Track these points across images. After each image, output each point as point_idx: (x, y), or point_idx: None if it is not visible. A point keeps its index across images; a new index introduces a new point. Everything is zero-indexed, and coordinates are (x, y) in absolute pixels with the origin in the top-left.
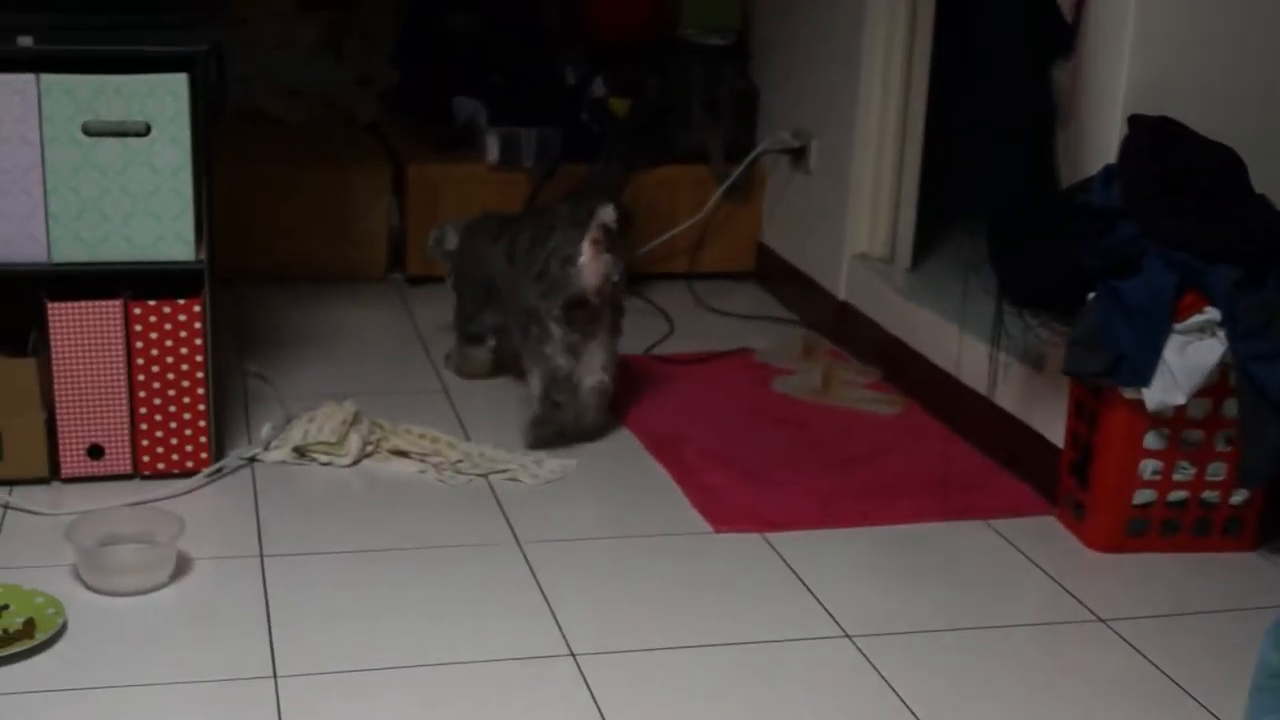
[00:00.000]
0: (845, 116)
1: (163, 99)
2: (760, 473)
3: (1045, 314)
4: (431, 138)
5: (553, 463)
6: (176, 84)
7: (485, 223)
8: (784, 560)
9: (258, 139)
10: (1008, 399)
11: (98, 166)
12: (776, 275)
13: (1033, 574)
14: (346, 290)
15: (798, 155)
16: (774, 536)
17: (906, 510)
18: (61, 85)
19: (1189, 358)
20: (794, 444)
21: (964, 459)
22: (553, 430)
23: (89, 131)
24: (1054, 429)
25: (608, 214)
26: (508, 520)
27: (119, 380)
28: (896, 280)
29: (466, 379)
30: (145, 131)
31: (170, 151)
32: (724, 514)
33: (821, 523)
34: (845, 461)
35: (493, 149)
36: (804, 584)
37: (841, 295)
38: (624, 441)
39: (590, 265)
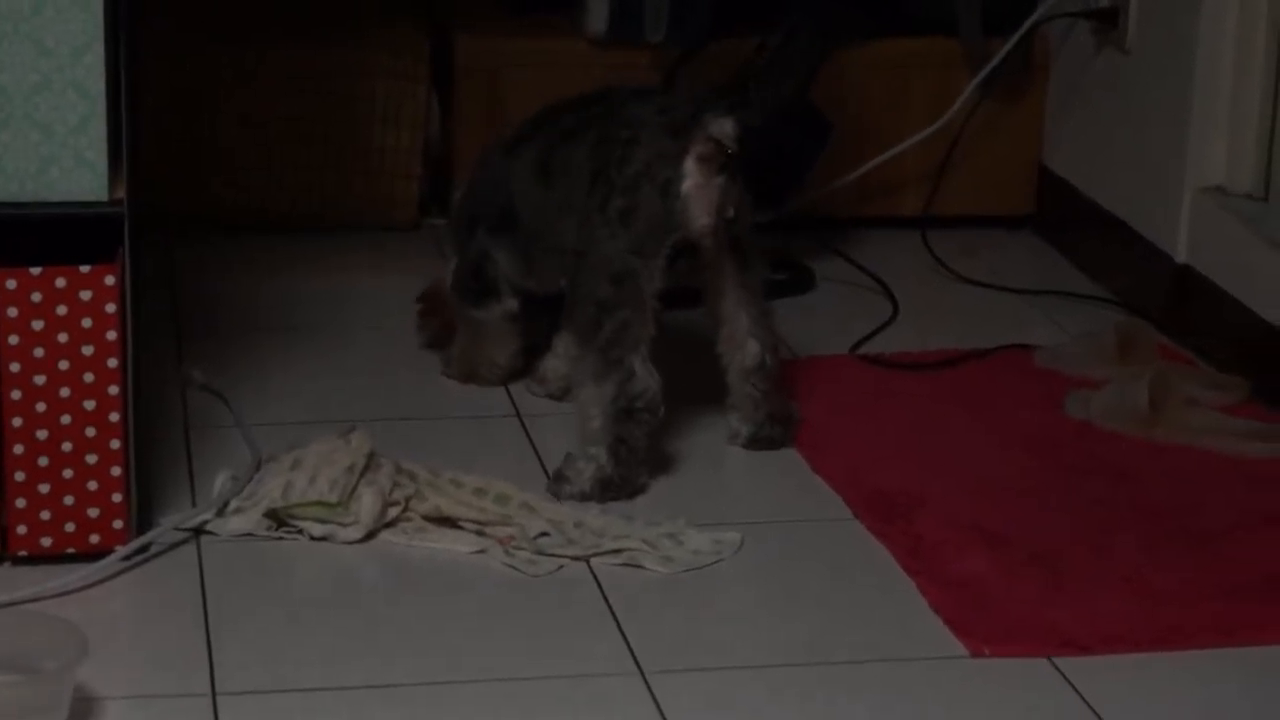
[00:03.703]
0: None
1: None
2: (1050, 557)
3: None
4: None
5: (701, 537)
6: None
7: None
8: (1092, 709)
9: None
10: None
11: None
12: (1071, 222)
13: None
14: (354, 244)
15: (1105, 22)
16: (1074, 665)
17: None
18: None
19: None
20: (1105, 508)
21: None
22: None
23: None
24: None
25: (722, 128)
26: (624, 636)
27: None
28: (1275, 230)
29: (488, 383)
30: None
31: (70, 19)
32: (990, 627)
33: (1155, 643)
34: (1193, 538)
35: (598, 11)
36: None
37: (1181, 256)
38: (820, 501)
39: (698, 193)
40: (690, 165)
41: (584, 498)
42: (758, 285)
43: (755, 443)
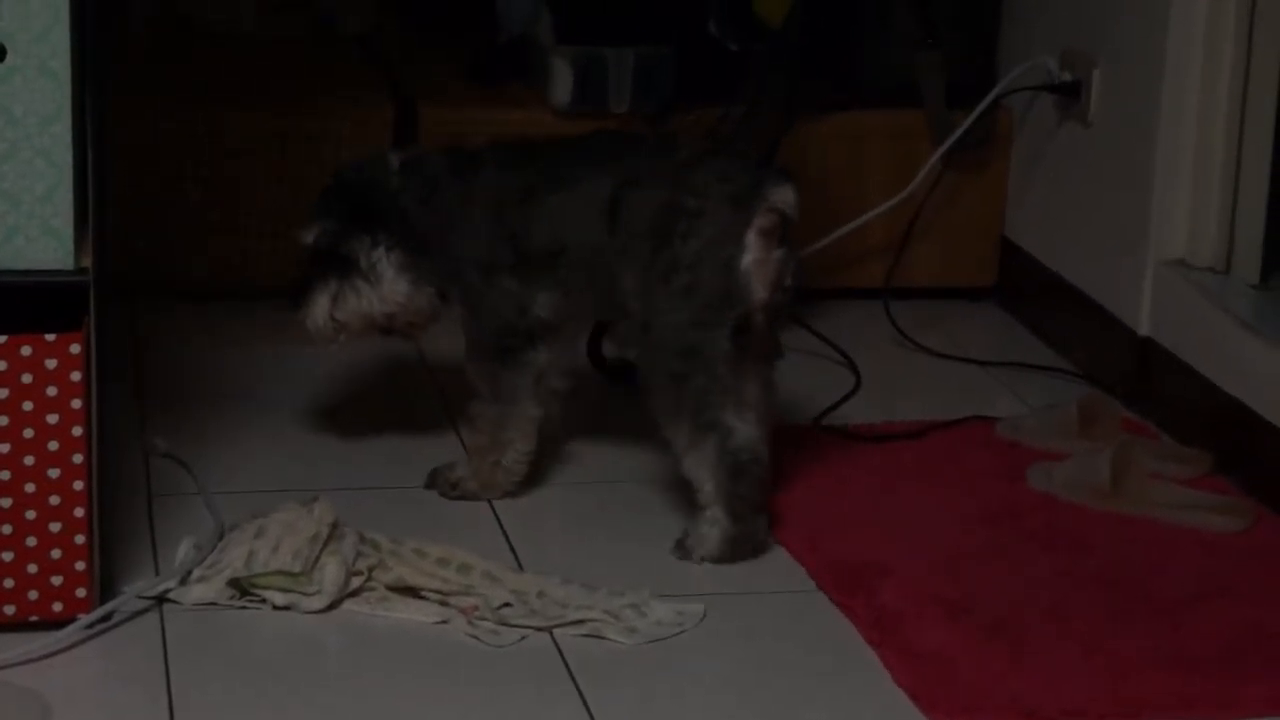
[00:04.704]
0: (1149, 32)
1: (27, 2)
2: (1013, 628)
3: None
4: (461, 61)
5: (664, 608)
6: None
7: (490, 154)
8: None
9: (180, 66)
10: None
11: None
12: (1033, 294)
13: None
14: None
15: (1068, 95)
16: None
17: (1260, 695)
18: None
19: None
20: (1067, 579)
21: None
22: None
23: None
24: None
25: (786, 197)
26: (586, 707)
27: None
28: (1236, 304)
29: (505, 492)
30: None
31: (38, 89)
32: (953, 699)
33: (1116, 715)
34: (1155, 610)
35: (562, 82)
36: None
37: (1143, 329)
38: (783, 572)
39: (758, 268)
40: (752, 239)
41: (715, 560)
42: (774, 355)
43: None
